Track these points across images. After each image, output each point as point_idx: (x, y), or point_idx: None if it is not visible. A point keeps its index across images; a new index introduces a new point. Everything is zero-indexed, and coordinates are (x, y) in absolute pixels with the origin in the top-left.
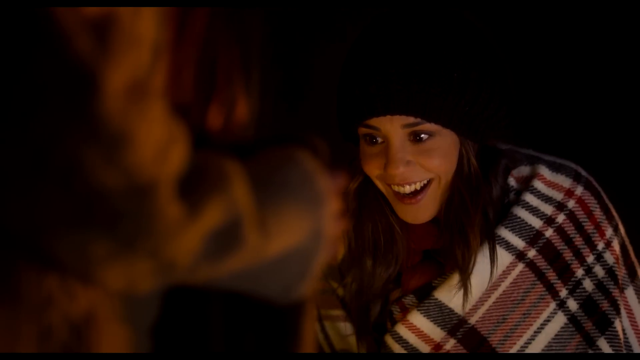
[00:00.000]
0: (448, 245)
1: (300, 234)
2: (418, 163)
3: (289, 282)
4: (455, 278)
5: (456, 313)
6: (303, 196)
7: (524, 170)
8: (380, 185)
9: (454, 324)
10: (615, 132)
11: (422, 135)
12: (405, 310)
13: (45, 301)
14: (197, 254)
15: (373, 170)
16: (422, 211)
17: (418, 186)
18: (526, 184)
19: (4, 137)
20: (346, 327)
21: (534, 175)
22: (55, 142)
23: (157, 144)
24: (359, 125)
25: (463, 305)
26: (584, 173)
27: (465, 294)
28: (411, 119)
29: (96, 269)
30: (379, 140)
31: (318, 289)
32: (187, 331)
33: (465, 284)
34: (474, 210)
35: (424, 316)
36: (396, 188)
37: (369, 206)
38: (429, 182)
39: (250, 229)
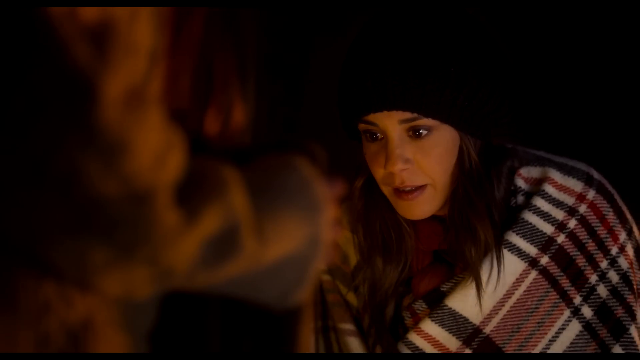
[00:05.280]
0: (455, 244)
1: (298, 240)
2: (417, 162)
3: (285, 289)
4: (464, 281)
5: (471, 322)
6: (300, 203)
7: (533, 171)
8: (381, 185)
9: (469, 334)
10: (630, 130)
11: (421, 131)
12: (415, 316)
13: (43, 308)
14: (195, 261)
15: (377, 169)
16: (419, 207)
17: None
18: (536, 187)
19: (2, 145)
20: (353, 343)
21: (544, 178)
22: (53, 150)
23: (155, 151)
24: (358, 121)
25: (479, 303)
26: (596, 175)
27: (479, 291)
28: (408, 114)
29: (94, 276)
30: (379, 136)
31: (329, 301)
32: (184, 337)
33: (477, 282)
34: (480, 203)
35: (439, 325)
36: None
37: (375, 203)
38: (425, 186)
39: (247, 235)
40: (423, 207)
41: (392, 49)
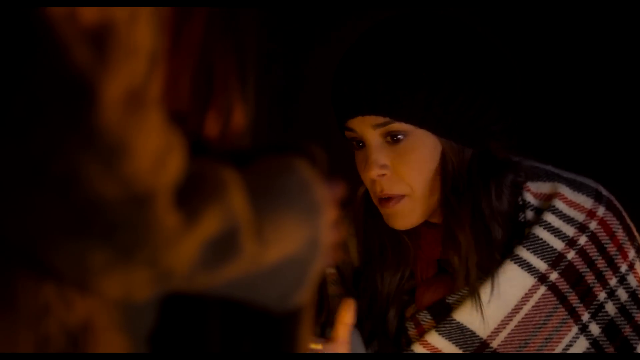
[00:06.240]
0: (445, 252)
1: (298, 242)
2: (394, 168)
3: (285, 291)
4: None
5: (478, 336)
6: (300, 204)
7: (542, 187)
8: (370, 193)
9: (476, 347)
10: (634, 146)
11: (399, 136)
12: (419, 327)
13: (43, 310)
14: (195, 263)
15: (363, 177)
16: (399, 217)
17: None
18: (546, 202)
19: (2, 146)
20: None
21: (554, 194)
22: (53, 153)
23: (155, 153)
24: (344, 129)
25: (481, 312)
26: (604, 192)
27: (474, 303)
28: (380, 119)
29: (94, 278)
30: (362, 143)
31: (331, 294)
32: (184, 339)
33: (472, 293)
34: (462, 212)
35: (445, 338)
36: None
37: (373, 211)
38: (403, 197)
39: (247, 237)
40: (403, 217)
41: (365, 56)
